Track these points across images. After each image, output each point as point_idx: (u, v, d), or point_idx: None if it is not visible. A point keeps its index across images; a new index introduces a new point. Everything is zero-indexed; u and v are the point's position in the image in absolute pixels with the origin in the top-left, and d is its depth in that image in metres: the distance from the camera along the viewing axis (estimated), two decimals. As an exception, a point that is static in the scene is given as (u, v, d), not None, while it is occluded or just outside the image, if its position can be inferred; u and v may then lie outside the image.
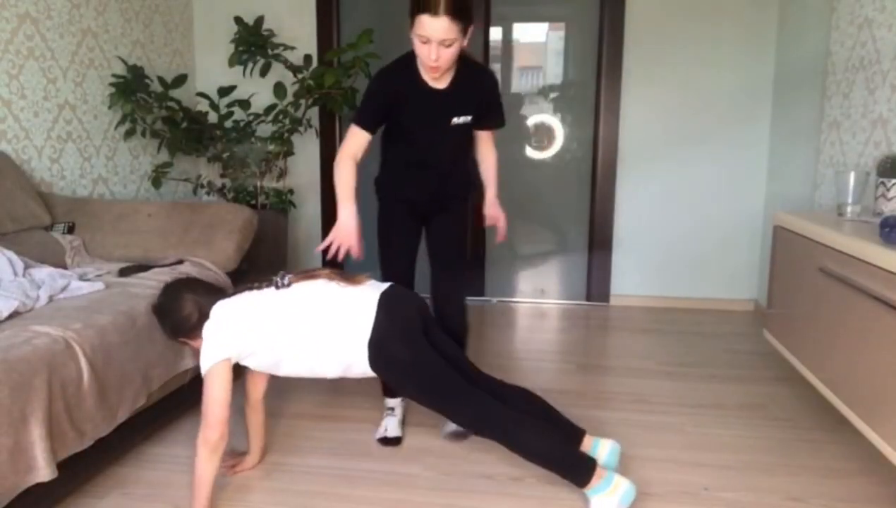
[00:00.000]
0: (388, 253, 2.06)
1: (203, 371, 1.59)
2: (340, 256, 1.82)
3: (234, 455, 1.90)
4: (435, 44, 1.70)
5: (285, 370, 1.70)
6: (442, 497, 1.74)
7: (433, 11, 1.66)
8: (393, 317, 1.64)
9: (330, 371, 1.67)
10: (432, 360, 1.66)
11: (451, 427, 2.01)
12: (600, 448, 1.80)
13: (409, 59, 1.86)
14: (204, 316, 1.66)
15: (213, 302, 1.68)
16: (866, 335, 1.65)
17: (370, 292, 1.68)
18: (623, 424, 2.11)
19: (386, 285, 1.74)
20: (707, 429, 2.12)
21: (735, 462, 1.91)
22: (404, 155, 1.99)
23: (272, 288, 1.70)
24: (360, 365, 1.64)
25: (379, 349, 1.61)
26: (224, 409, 1.58)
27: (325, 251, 1.80)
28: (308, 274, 1.74)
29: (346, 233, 1.82)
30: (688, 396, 2.38)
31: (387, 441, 2.02)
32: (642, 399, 2.36)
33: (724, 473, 1.85)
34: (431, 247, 2.10)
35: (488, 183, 2.15)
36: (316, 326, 1.63)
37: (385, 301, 1.65)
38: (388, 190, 2.06)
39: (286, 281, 1.71)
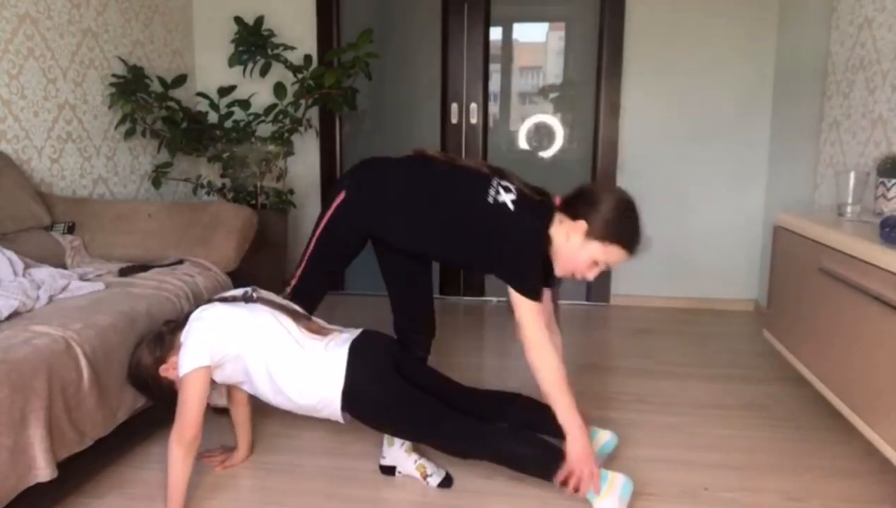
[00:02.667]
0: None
1: (181, 373, 1.60)
2: None
3: (223, 451, 1.90)
4: (600, 270, 1.67)
5: (251, 391, 1.74)
6: (442, 497, 1.74)
7: (633, 253, 1.66)
8: (363, 363, 1.65)
9: (295, 409, 1.71)
10: (408, 396, 1.67)
11: (437, 479, 1.80)
12: (598, 437, 1.82)
13: (542, 242, 1.69)
14: (165, 343, 1.69)
15: (174, 327, 1.70)
16: (866, 335, 1.65)
17: (340, 344, 1.69)
18: (623, 424, 2.11)
19: (357, 332, 1.75)
20: (707, 429, 2.12)
21: (735, 462, 1.91)
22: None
23: (241, 302, 1.73)
24: (327, 412, 1.68)
25: (352, 396, 1.64)
26: (200, 411, 1.59)
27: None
28: (281, 307, 1.75)
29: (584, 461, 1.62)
30: (688, 396, 2.38)
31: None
32: (642, 399, 2.36)
33: (724, 473, 1.85)
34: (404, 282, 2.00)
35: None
36: (287, 371, 1.65)
37: (355, 350, 1.66)
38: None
39: (254, 296, 1.74)
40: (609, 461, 1.87)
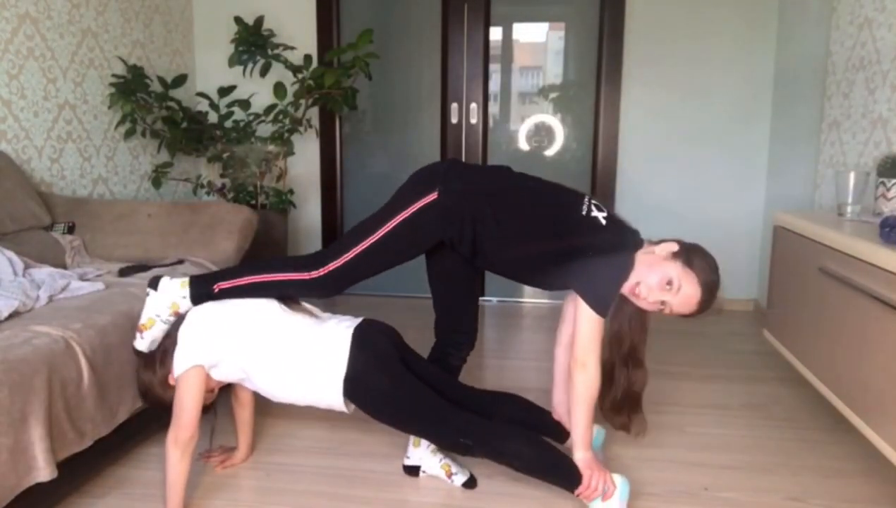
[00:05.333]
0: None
1: (175, 374, 1.60)
2: None
3: (223, 451, 1.90)
4: (664, 299, 1.61)
5: (252, 386, 1.73)
6: (442, 497, 1.74)
7: (703, 301, 1.61)
8: (368, 350, 1.63)
9: (296, 400, 1.70)
10: (412, 386, 1.65)
11: (461, 478, 1.79)
12: None
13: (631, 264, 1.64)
14: (168, 353, 1.67)
15: (169, 341, 1.68)
16: (866, 335, 1.65)
17: (343, 328, 1.67)
18: (623, 424, 2.11)
19: (358, 320, 1.72)
20: (707, 429, 2.12)
21: (735, 462, 1.91)
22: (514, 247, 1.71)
23: None
24: (328, 400, 1.65)
25: (356, 383, 1.62)
26: (196, 412, 1.59)
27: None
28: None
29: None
30: (688, 396, 2.38)
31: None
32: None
33: (724, 473, 1.85)
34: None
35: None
36: (287, 361, 1.64)
37: (358, 336, 1.65)
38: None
39: None
40: (607, 461, 1.87)
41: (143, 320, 1.73)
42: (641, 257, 1.64)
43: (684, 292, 1.59)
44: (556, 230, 1.67)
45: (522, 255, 1.71)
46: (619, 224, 1.70)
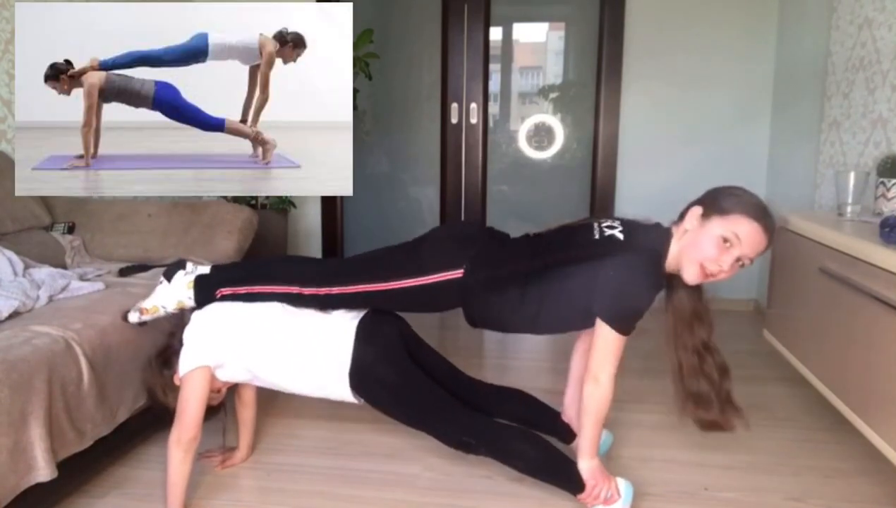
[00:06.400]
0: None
1: (181, 374, 1.61)
2: None
3: (223, 451, 1.90)
4: (735, 256, 1.49)
5: (260, 383, 1.74)
6: (442, 497, 1.74)
7: (763, 222, 1.49)
8: (373, 343, 1.63)
9: (305, 392, 1.70)
10: (417, 380, 1.65)
11: None
12: None
13: (659, 263, 1.60)
14: (174, 351, 1.67)
15: (176, 341, 1.68)
16: (866, 335, 1.65)
17: (347, 320, 1.66)
18: (623, 424, 2.11)
19: (363, 312, 1.71)
20: (707, 429, 2.12)
21: (735, 462, 1.91)
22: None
23: None
24: (338, 393, 1.65)
25: (360, 376, 1.61)
26: (199, 412, 1.59)
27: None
28: None
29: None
30: (688, 396, 2.38)
31: None
32: (642, 399, 2.35)
33: (724, 473, 1.85)
34: None
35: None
36: (293, 357, 1.64)
37: (363, 328, 1.64)
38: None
39: None
40: (608, 461, 1.87)
41: (148, 305, 1.75)
42: (680, 241, 1.58)
43: (744, 236, 1.49)
44: (574, 279, 1.60)
45: (546, 319, 1.67)
46: (636, 226, 1.66)
